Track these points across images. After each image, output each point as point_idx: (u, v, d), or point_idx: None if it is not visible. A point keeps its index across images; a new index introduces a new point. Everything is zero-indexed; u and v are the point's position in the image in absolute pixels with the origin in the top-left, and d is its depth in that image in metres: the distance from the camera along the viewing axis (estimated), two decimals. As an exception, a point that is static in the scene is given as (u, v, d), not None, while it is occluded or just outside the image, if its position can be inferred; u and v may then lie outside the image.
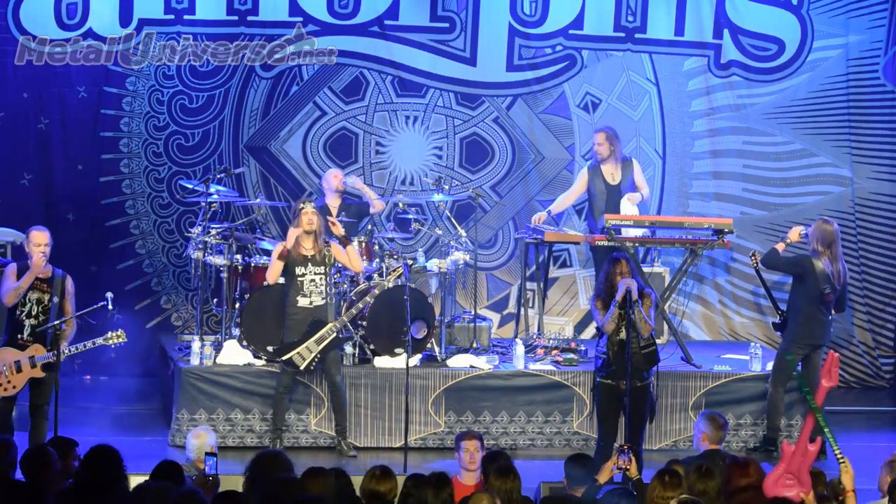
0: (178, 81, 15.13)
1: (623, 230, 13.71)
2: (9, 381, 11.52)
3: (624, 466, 9.13)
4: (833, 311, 13.18)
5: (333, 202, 14.05)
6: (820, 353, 13.16)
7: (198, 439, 10.11)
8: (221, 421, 12.88)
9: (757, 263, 13.65)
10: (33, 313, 11.60)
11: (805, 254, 13.09)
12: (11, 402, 11.70)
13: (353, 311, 12.81)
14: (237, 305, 13.44)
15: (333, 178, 14.11)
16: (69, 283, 11.77)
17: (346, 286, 13.29)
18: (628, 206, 14.26)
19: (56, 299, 11.61)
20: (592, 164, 14.53)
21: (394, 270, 12.88)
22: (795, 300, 13.07)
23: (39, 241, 11.66)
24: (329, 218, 12.71)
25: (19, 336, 11.58)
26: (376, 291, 12.89)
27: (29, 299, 11.59)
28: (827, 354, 8.15)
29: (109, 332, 11.81)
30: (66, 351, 11.59)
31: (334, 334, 12.61)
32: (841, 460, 7.97)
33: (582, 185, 14.56)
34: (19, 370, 11.51)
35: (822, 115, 15.88)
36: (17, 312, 11.57)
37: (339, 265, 12.96)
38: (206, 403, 12.91)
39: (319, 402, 12.97)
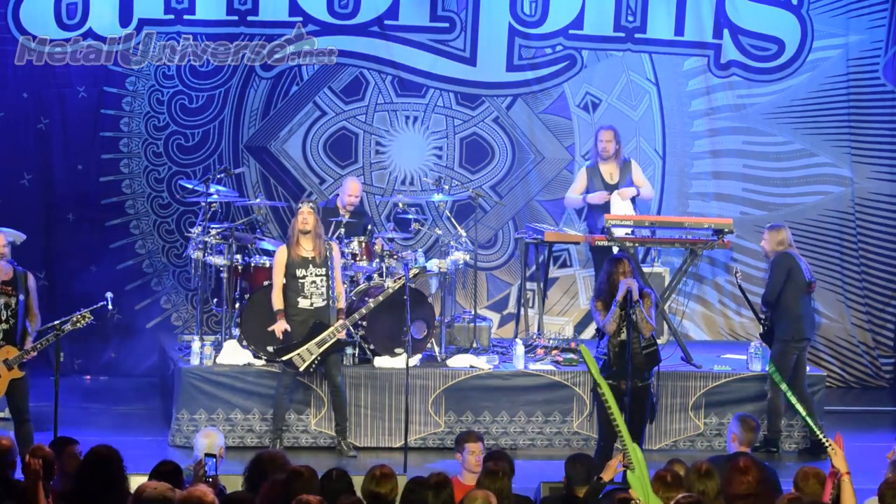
0: (178, 81, 15.13)
1: (614, 229, 13.59)
2: None
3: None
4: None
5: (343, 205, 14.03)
6: (807, 348, 13.20)
7: (207, 438, 10.02)
8: (221, 421, 12.87)
9: (739, 281, 13.70)
10: (2, 318, 11.60)
11: (780, 253, 13.09)
12: None
13: (356, 315, 12.79)
14: (237, 305, 13.44)
15: (350, 191, 13.96)
16: (30, 279, 11.81)
17: (346, 286, 13.27)
18: (619, 200, 14.17)
19: (22, 297, 11.63)
20: (591, 164, 14.49)
21: (399, 279, 12.81)
22: (786, 300, 13.04)
23: None
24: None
25: None
26: (381, 298, 12.83)
27: None
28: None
29: (74, 315, 11.65)
30: (37, 345, 11.56)
31: (335, 339, 12.60)
32: (827, 444, 7.99)
33: (582, 184, 14.48)
34: None
35: (822, 115, 15.88)
36: None
37: (342, 266, 12.96)
38: (206, 403, 12.91)
39: (319, 402, 12.97)
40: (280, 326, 12.57)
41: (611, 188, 14.30)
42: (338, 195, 14.24)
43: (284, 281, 12.65)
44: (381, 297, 12.81)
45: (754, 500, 7.83)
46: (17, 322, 11.59)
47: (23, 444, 11.31)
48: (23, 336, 11.62)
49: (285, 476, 7.82)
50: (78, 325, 11.63)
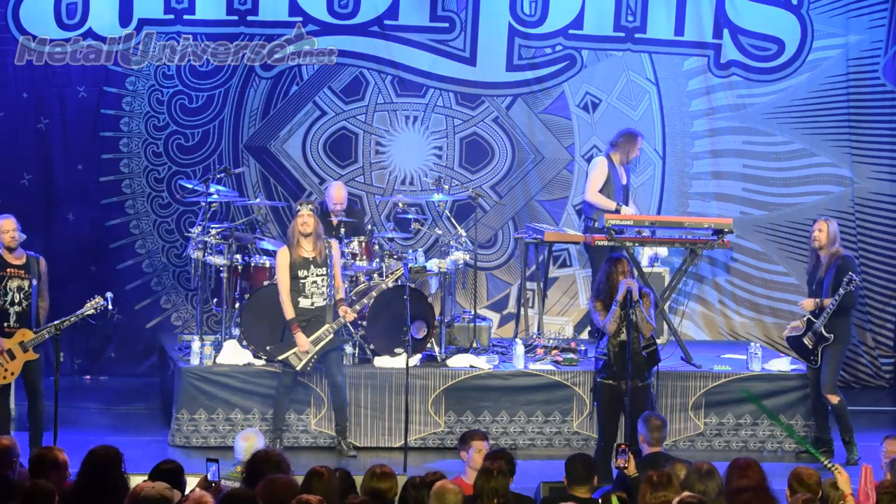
0: (177, 81, 15.13)
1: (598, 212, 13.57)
2: (6, 369, 11.76)
3: (622, 465, 9.13)
4: None
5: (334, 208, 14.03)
6: None
7: (246, 441, 9.93)
8: (221, 421, 12.88)
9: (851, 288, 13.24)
10: (16, 301, 11.86)
11: (847, 254, 13.04)
12: (7, 388, 11.97)
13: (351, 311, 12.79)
14: (237, 305, 13.44)
15: (335, 198, 13.92)
16: (43, 263, 12.09)
17: (346, 286, 13.27)
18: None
19: (35, 282, 11.85)
20: (607, 157, 14.33)
21: (392, 272, 12.86)
22: (853, 303, 12.94)
23: (8, 227, 11.91)
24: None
25: (6, 324, 11.83)
26: (374, 294, 12.86)
27: (10, 288, 11.86)
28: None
29: (87, 302, 11.84)
30: (50, 328, 11.72)
31: (331, 335, 12.60)
32: (831, 468, 7.97)
33: (604, 177, 14.24)
34: (13, 357, 11.75)
35: (822, 115, 15.88)
36: (0, 302, 11.73)
37: (342, 266, 12.96)
38: (206, 403, 12.91)
39: (319, 402, 12.98)
40: (301, 341, 12.54)
41: (621, 189, 14.25)
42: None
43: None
44: (374, 294, 12.83)
45: (754, 495, 7.83)
46: (32, 305, 11.85)
47: (34, 423, 11.80)
48: (37, 319, 11.88)
49: (304, 477, 7.84)
50: (92, 311, 11.79)
